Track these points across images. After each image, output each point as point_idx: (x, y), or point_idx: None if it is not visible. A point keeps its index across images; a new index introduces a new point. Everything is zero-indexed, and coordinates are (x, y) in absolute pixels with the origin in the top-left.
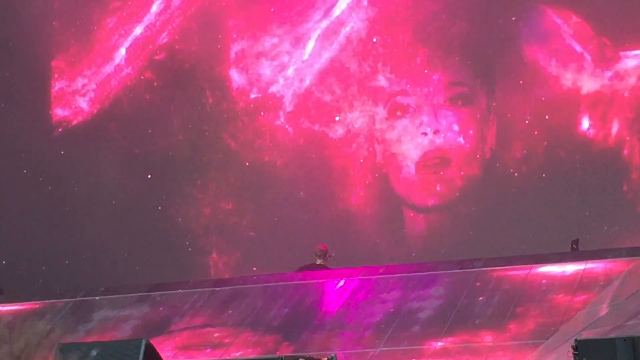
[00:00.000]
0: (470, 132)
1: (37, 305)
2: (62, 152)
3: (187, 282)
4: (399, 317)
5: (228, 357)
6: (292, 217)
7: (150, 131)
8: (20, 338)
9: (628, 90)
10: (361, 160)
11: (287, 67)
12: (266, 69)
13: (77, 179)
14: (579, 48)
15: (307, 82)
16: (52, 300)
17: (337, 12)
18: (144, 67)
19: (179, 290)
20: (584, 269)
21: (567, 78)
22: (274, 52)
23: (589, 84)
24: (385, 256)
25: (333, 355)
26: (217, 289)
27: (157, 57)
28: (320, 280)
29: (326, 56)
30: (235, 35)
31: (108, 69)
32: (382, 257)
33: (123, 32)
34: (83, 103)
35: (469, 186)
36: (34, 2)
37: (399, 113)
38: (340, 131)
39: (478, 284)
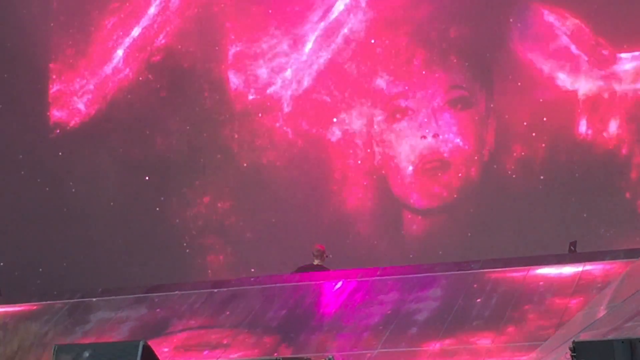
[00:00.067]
0: (469, 133)
1: (35, 307)
2: (60, 154)
3: (185, 284)
4: (397, 318)
5: (226, 359)
6: (290, 218)
7: (148, 132)
8: (14, 340)
9: (626, 92)
10: (359, 162)
11: (285, 68)
12: (264, 71)
13: (74, 180)
14: (576, 50)
15: (305, 83)
16: (49, 302)
17: (335, 13)
18: (142, 68)
19: (177, 292)
20: (581, 271)
21: (565, 80)
22: (271, 53)
23: (586, 86)
24: (383, 258)
25: (331, 356)
26: (215, 290)
27: (155, 59)
28: (318, 282)
29: (324, 57)
30: (233, 37)
31: (106, 70)
32: (380, 258)
33: (121, 33)
34: (81, 104)
35: (467, 188)
36: (32, 3)
37: (398, 115)
38: (338, 133)
39: (476, 285)
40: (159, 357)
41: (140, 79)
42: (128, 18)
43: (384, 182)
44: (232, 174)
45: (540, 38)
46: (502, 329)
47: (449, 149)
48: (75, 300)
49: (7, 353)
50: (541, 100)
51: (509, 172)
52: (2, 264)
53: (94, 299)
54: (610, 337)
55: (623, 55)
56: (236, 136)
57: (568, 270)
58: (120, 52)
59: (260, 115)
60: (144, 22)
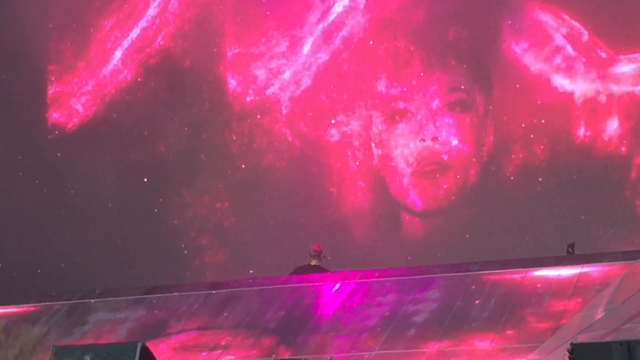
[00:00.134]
0: (467, 135)
1: (33, 308)
2: (59, 155)
3: (183, 285)
4: (395, 320)
5: None
6: (289, 220)
7: (146, 133)
8: (16, 343)
9: (624, 94)
10: (357, 164)
11: (284, 70)
12: (262, 72)
13: (73, 181)
14: (574, 52)
15: (304, 85)
16: (47, 303)
17: (333, 15)
18: (141, 70)
19: (175, 293)
20: (579, 273)
21: (563, 82)
22: (270, 55)
23: (584, 88)
24: (381, 259)
25: (329, 358)
26: (213, 291)
27: (153, 60)
28: (316, 283)
29: (323, 59)
30: (231, 38)
31: (104, 71)
32: (378, 260)
33: (119, 34)
34: (79, 106)
35: (465, 189)
36: (31, 4)
37: (397, 118)
38: (336, 134)
39: (474, 287)
40: (158, 359)
41: (139, 80)
42: (126, 19)
43: (383, 184)
44: (231, 176)
45: (538, 40)
46: (501, 331)
47: (447, 151)
48: (74, 301)
49: (8, 357)
50: (539, 102)
51: (507, 174)
52: (0, 265)
53: (93, 300)
54: (608, 338)
55: (621, 57)
56: (235, 137)
57: (566, 272)
58: (118, 54)
59: (258, 116)
60: (143, 23)
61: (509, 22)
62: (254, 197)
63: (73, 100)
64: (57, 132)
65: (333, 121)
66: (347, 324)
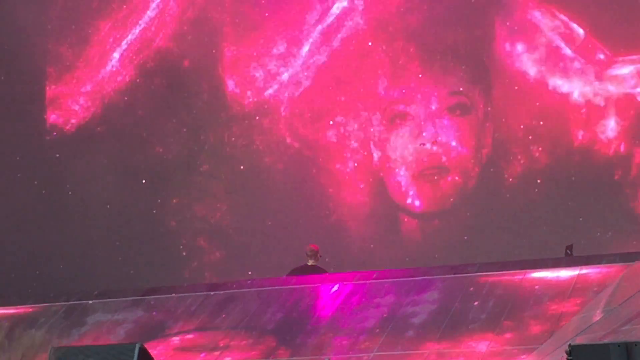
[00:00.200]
0: (465, 137)
1: (31, 309)
2: (57, 155)
3: (182, 286)
4: (393, 321)
5: None
6: (287, 221)
7: (144, 135)
8: (18, 349)
9: (622, 96)
10: (355, 165)
11: (282, 71)
12: (261, 73)
13: (71, 182)
14: (573, 54)
15: (302, 86)
16: (46, 304)
17: (331, 16)
18: (139, 71)
19: (173, 295)
20: (578, 274)
21: (562, 84)
22: (268, 56)
23: (583, 90)
24: (379, 261)
25: (327, 359)
26: (212, 293)
27: (152, 62)
28: (315, 285)
29: (321, 60)
30: (230, 40)
31: (102, 73)
32: (376, 261)
33: (118, 36)
34: (78, 107)
35: (463, 191)
36: (29, 6)
37: (397, 120)
38: (335, 136)
39: (472, 289)
40: None
41: (138, 81)
42: (125, 21)
43: (381, 185)
44: (229, 177)
45: (537, 42)
46: (499, 333)
47: (446, 153)
48: (72, 302)
49: None
50: (538, 104)
51: (506, 176)
52: None
53: (91, 302)
54: (606, 340)
55: (619, 58)
56: (233, 139)
57: (564, 273)
58: (117, 55)
59: (257, 118)
60: (141, 24)
61: (507, 24)
62: (252, 198)
63: (72, 101)
64: (55, 133)
65: (331, 122)
66: (345, 325)
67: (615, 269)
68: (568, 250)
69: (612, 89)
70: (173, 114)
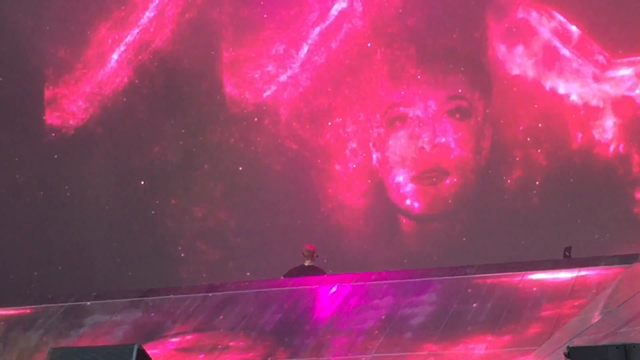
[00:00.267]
0: (464, 139)
1: (30, 310)
2: (56, 156)
3: (180, 288)
4: (392, 323)
5: None
6: (286, 222)
7: (143, 136)
8: (13, 351)
9: (621, 98)
10: (354, 166)
11: (281, 72)
12: (260, 75)
13: (70, 184)
14: (572, 55)
15: (301, 87)
16: (44, 305)
17: (330, 18)
18: (138, 72)
19: (172, 296)
20: (576, 276)
21: (561, 85)
22: (267, 57)
23: (581, 91)
24: (378, 262)
25: None
26: (210, 294)
27: (150, 63)
28: (313, 286)
29: (320, 62)
30: (228, 41)
31: (101, 74)
32: (375, 263)
33: (116, 37)
34: (76, 108)
35: (462, 193)
36: (28, 8)
37: (397, 123)
38: (334, 137)
39: (470, 290)
40: None
41: (136, 82)
42: (124, 22)
43: (380, 187)
44: (228, 178)
45: (535, 44)
46: (497, 334)
47: (445, 155)
48: (70, 303)
49: None
50: (536, 105)
51: (504, 178)
52: None
53: (89, 303)
54: (605, 342)
55: (618, 60)
56: (232, 140)
57: (563, 275)
58: (115, 56)
59: (256, 119)
60: (140, 26)
61: (506, 26)
62: (251, 199)
63: (70, 103)
64: (54, 135)
65: (330, 124)
66: (343, 327)
67: (613, 271)
68: (566, 252)
69: (611, 90)
70: (172, 115)
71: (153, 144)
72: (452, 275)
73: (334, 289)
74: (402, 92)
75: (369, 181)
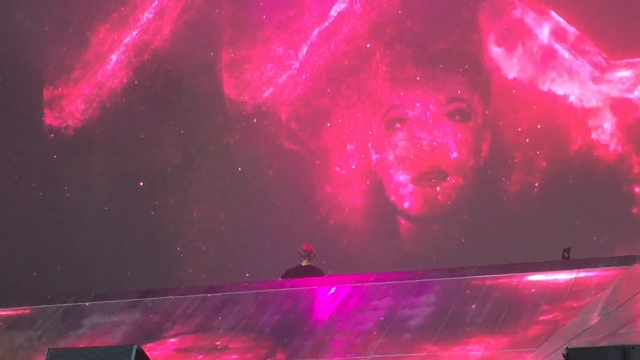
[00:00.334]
0: (463, 140)
1: (28, 311)
2: (55, 157)
3: (179, 288)
4: (390, 324)
5: None
6: (285, 223)
7: (142, 137)
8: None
9: (620, 99)
10: (353, 167)
11: (280, 73)
12: (259, 76)
13: (69, 184)
14: (571, 57)
15: (300, 88)
16: (43, 306)
17: (330, 19)
18: (137, 73)
19: (170, 297)
20: (575, 278)
21: (560, 87)
22: (266, 58)
23: (581, 93)
24: (377, 263)
25: None
26: (209, 295)
27: (149, 64)
28: (312, 287)
29: (319, 63)
30: (228, 42)
31: (100, 75)
32: (374, 264)
33: (116, 38)
34: (75, 108)
35: (461, 194)
36: (27, 8)
37: (397, 125)
38: (333, 138)
39: (469, 291)
40: None
41: (135, 83)
42: (123, 23)
43: (379, 188)
44: (227, 179)
45: (535, 45)
46: (496, 336)
47: (444, 156)
48: (69, 304)
49: None
50: (535, 107)
51: (503, 179)
52: None
53: (88, 303)
54: (603, 343)
55: (617, 62)
56: (231, 141)
57: (562, 276)
58: (114, 57)
59: (255, 120)
60: (139, 27)
61: (505, 27)
62: (250, 200)
63: (69, 103)
64: (53, 135)
65: (329, 124)
66: (342, 328)
67: (612, 272)
68: (565, 254)
69: (610, 92)
70: (171, 116)
71: (152, 144)
72: (451, 277)
73: (332, 290)
74: (401, 94)
75: (368, 182)
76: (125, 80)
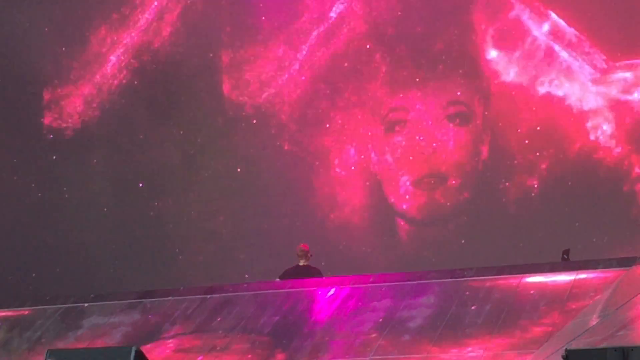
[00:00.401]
0: (463, 142)
1: (27, 312)
2: (54, 158)
3: (178, 290)
4: (390, 325)
5: None
6: (284, 224)
7: (141, 137)
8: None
9: (620, 101)
10: (353, 168)
11: (280, 74)
12: (258, 77)
13: (68, 185)
14: (570, 58)
15: (300, 89)
16: (42, 307)
17: (330, 20)
18: (136, 74)
19: (170, 298)
20: (574, 279)
21: (559, 88)
22: (266, 59)
23: (580, 95)
24: (376, 265)
25: None
26: (208, 296)
27: (149, 65)
28: (311, 289)
29: (318, 64)
30: (227, 43)
31: (100, 75)
32: (373, 265)
33: (115, 39)
34: (74, 109)
35: (460, 195)
36: (26, 8)
37: (396, 128)
38: (333, 139)
39: (469, 293)
40: None
41: (135, 84)
42: (123, 24)
43: (379, 190)
44: (226, 180)
45: (534, 47)
46: (495, 337)
47: (444, 158)
48: (68, 305)
49: None
50: (534, 108)
51: (503, 180)
52: None
53: (87, 304)
54: (603, 345)
55: (617, 64)
56: (230, 142)
57: (561, 278)
58: (114, 58)
59: (254, 121)
60: (139, 28)
61: (504, 29)
62: (249, 201)
63: (69, 104)
64: (52, 136)
65: (328, 126)
66: (341, 329)
67: (612, 274)
68: (565, 255)
69: (610, 93)
70: (170, 117)
71: (151, 145)
72: (451, 278)
73: (332, 292)
74: (401, 95)
75: (368, 184)
76: (124, 80)
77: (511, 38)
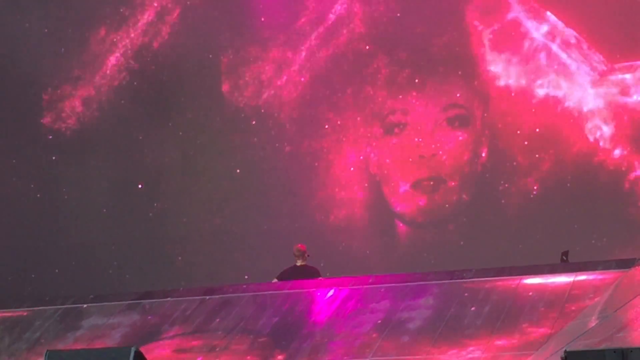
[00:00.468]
0: (462, 143)
1: (26, 312)
2: (53, 159)
3: (177, 290)
4: (389, 327)
5: None
6: (283, 225)
7: (141, 138)
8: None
9: (619, 103)
10: (352, 169)
11: (279, 75)
12: (258, 78)
13: (67, 186)
14: (569, 60)
15: (299, 90)
16: (41, 307)
17: (329, 22)
18: (135, 75)
19: (169, 299)
20: (573, 281)
21: (558, 90)
22: (265, 60)
23: (579, 96)
24: (375, 266)
25: None
26: (207, 297)
27: (148, 65)
28: (310, 290)
29: (318, 64)
30: (226, 44)
31: (99, 76)
32: (372, 267)
33: (115, 40)
34: (74, 110)
35: (459, 197)
36: (25, 9)
37: (395, 130)
38: (332, 140)
39: (468, 294)
40: None
41: (134, 84)
42: (122, 24)
43: (378, 191)
44: (225, 180)
45: (533, 49)
46: (494, 338)
47: (443, 161)
48: (67, 306)
49: None
50: (533, 110)
51: (502, 182)
52: None
53: (86, 305)
54: (602, 346)
55: (616, 65)
56: (230, 143)
57: (560, 280)
58: (113, 59)
59: (254, 122)
60: (139, 28)
61: (504, 30)
62: (248, 202)
63: (68, 105)
64: (51, 137)
65: (326, 126)
66: (340, 330)
67: (611, 276)
68: (564, 257)
69: (609, 95)
70: (169, 118)
71: (151, 146)
72: (450, 279)
73: (331, 293)
74: (400, 97)
75: (366, 185)
76: (124, 81)
77: (510, 40)
